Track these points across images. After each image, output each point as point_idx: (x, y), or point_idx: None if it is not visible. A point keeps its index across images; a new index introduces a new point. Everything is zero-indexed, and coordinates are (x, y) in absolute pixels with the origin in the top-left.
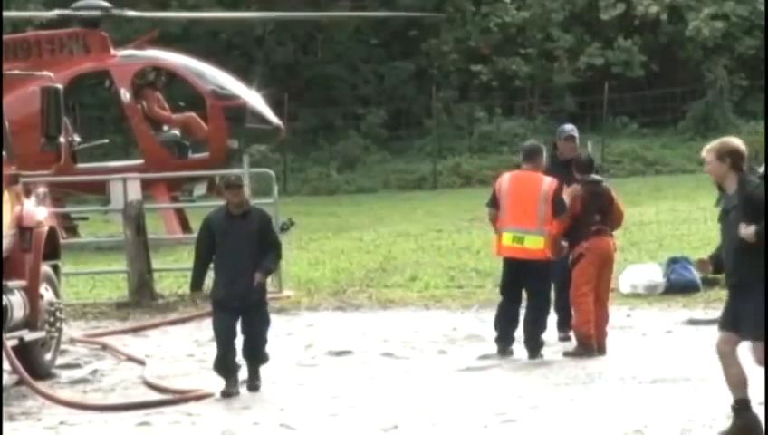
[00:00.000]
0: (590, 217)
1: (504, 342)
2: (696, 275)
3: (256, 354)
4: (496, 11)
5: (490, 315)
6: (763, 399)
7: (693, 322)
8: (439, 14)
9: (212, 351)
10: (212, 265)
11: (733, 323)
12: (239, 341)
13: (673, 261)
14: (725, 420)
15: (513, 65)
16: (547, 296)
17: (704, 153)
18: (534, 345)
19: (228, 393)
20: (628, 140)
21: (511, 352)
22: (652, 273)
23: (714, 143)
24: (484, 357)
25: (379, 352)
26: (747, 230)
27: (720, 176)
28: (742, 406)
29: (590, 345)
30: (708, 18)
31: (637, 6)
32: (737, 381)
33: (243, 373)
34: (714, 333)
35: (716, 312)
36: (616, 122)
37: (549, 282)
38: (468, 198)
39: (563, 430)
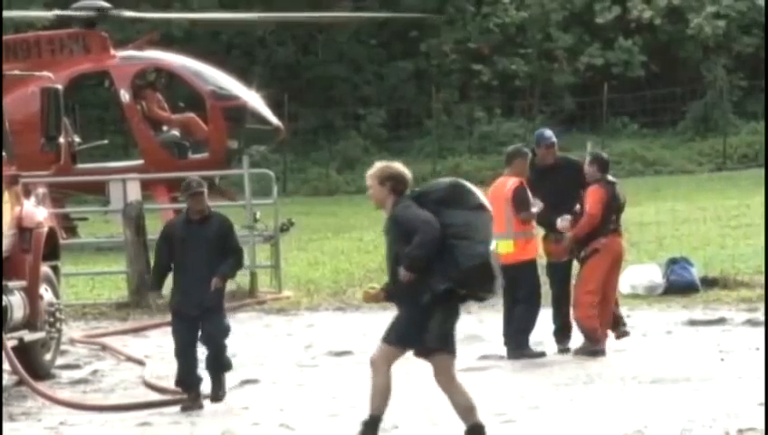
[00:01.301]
0: (609, 217)
1: (510, 345)
2: (696, 275)
3: (215, 363)
4: (496, 11)
5: (490, 316)
6: (763, 400)
7: (692, 322)
8: (440, 15)
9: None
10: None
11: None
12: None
13: (672, 262)
14: (726, 420)
15: (513, 65)
16: (528, 300)
17: (367, 178)
18: (512, 346)
19: (188, 408)
20: (627, 140)
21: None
22: (652, 273)
23: (375, 167)
24: (484, 357)
25: None
26: (402, 273)
27: (381, 200)
28: (373, 420)
29: (598, 338)
30: (711, 16)
31: (632, 10)
32: (381, 394)
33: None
34: (714, 333)
35: (716, 312)
36: (616, 123)
37: (531, 287)
38: None
39: (564, 430)
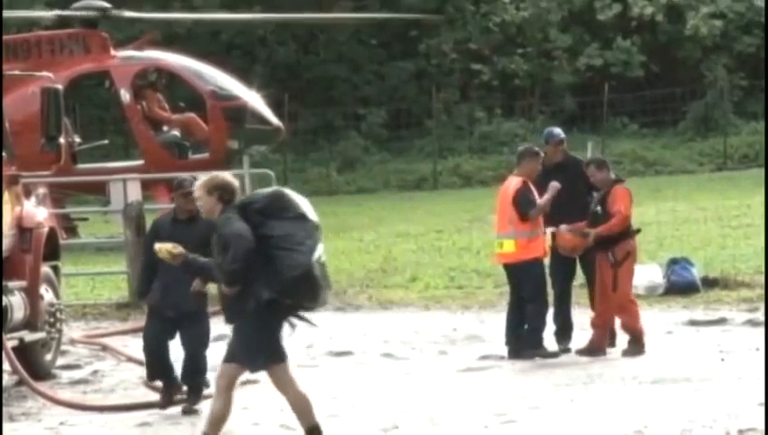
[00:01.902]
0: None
1: (511, 344)
2: (697, 275)
3: (193, 376)
4: (496, 10)
5: (490, 316)
6: (763, 400)
7: (693, 322)
8: (439, 15)
9: (213, 351)
10: None
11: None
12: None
13: (673, 262)
14: (726, 420)
15: (513, 65)
16: (535, 299)
17: (195, 189)
18: (513, 347)
19: (164, 405)
20: (628, 140)
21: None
22: (652, 273)
23: (203, 178)
24: (484, 358)
25: (380, 352)
26: (224, 287)
27: (209, 209)
28: None
29: (643, 341)
30: (707, 17)
31: (632, 7)
32: (217, 417)
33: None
34: (714, 333)
35: (716, 312)
36: (616, 123)
37: (535, 286)
38: (468, 199)
39: (564, 430)
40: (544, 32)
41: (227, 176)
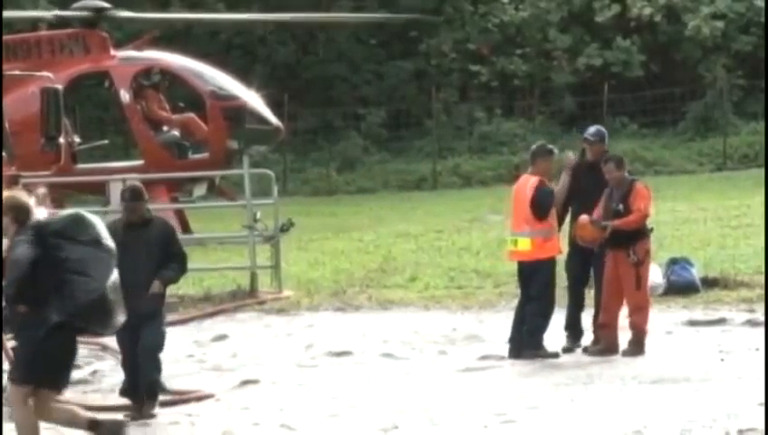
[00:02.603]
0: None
1: (514, 342)
2: (696, 275)
3: (146, 376)
4: (494, 10)
5: (490, 316)
6: (763, 400)
7: (693, 322)
8: (437, 16)
9: (213, 351)
10: None
11: None
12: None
13: (673, 262)
14: (725, 420)
15: (512, 65)
16: (539, 298)
17: None
18: (515, 345)
19: (135, 418)
20: (627, 140)
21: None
22: (652, 273)
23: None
24: (483, 358)
25: (379, 352)
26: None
27: (4, 229)
28: None
29: (644, 342)
30: (708, 17)
31: (631, 8)
32: (26, 430)
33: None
34: (714, 333)
35: (716, 313)
36: (615, 123)
37: (543, 285)
38: (468, 199)
39: (563, 430)
40: (543, 32)
41: (23, 196)
